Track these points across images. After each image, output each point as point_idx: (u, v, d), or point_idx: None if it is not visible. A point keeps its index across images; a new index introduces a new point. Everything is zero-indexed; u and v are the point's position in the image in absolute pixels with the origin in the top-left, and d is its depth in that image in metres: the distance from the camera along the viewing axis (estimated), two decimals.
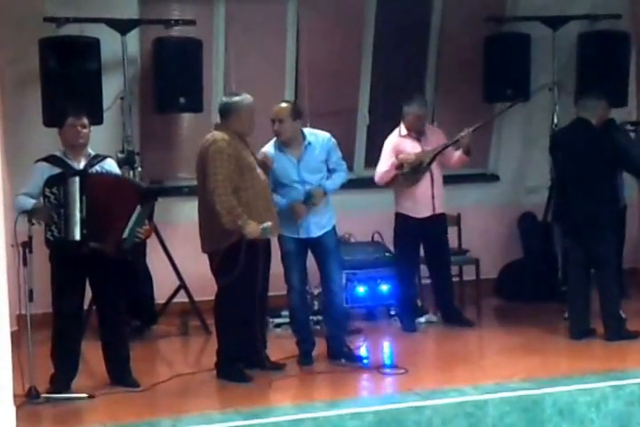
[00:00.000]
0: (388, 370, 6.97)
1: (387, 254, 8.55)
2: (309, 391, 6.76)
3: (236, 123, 6.69)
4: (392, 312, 8.46)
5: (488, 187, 9.32)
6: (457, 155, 8.10)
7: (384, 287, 8.42)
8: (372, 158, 9.39)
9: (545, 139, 8.97)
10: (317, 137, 7.12)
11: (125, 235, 6.47)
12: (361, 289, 8.38)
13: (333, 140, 7.20)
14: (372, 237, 8.76)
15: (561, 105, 8.97)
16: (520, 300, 8.94)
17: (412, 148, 8.07)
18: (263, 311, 7.11)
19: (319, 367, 7.07)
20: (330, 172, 7.16)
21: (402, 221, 8.14)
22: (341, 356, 7.15)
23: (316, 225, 7.11)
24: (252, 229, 6.51)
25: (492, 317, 8.81)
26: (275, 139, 7.10)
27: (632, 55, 9.30)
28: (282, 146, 7.06)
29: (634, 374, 6.66)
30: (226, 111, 6.73)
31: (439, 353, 7.81)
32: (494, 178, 9.55)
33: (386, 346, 7.92)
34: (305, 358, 7.17)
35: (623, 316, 7.61)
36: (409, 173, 7.99)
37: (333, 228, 7.21)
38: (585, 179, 7.51)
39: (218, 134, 6.65)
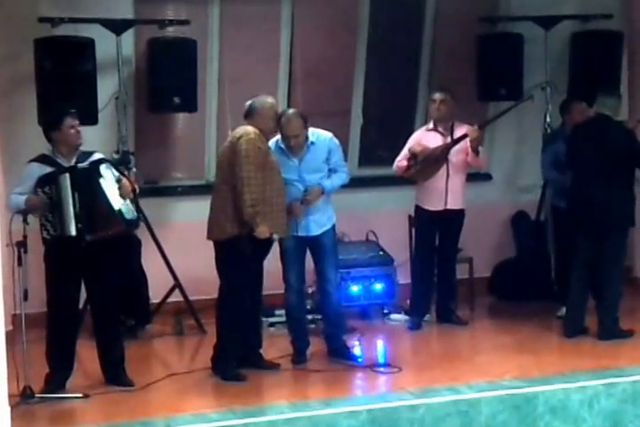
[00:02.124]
0: (381, 369, 7.00)
1: (380, 253, 8.60)
2: (304, 390, 6.78)
3: (258, 122, 6.81)
4: (385, 311, 8.49)
5: (481, 186, 9.31)
6: (469, 153, 8.06)
7: (378, 286, 8.47)
8: (366, 158, 9.44)
9: (538, 138, 9.00)
10: (319, 137, 7.15)
11: (116, 209, 6.49)
12: (355, 288, 8.40)
13: (335, 140, 7.23)
14: (367, 237, 8.79)
15: (554, 104, 8.97)
16: (513, 298, 8.95)
17: (434, 142, 8.07)
18: (257, 310, 7.13)
19: (313, 366, 7.09)
20: (330, 171, 7.18)
21: (417, 213, 8.22)
22: (337, 354, 7.18)
23: (316, 223, 7.13)
24: (264, 230, 6.64)
25: (485, 315, 8.81)
26: (278, 137, 7.10)
27: (624, 55, 9.31)
28: (286, 147, 7.09)
29: (626, 372, 6.70)
30: (249, 112, 6.87)
31: (432, 352, 7.82)
32: (487, 177, 9.56)
33: (380, 345, 7.94)
34: (299, 356, 7.19)
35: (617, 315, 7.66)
36: (420, 164, 8.00)
37: (333, 227, 7.23)
38: (609, 176, 7.47)
39: (249, 128, 6.79)
